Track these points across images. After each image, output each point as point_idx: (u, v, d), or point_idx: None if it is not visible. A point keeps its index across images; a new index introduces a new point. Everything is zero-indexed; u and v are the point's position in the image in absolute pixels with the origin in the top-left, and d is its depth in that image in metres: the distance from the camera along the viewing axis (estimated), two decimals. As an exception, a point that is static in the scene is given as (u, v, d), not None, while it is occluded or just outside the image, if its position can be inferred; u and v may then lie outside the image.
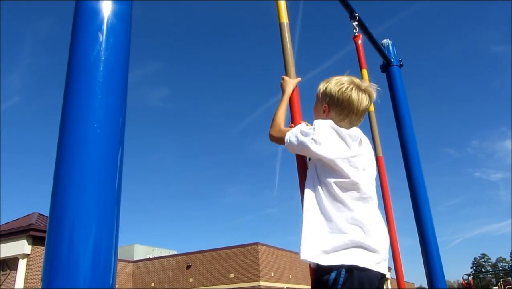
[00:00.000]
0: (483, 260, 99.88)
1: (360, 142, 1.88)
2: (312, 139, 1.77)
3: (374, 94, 1.97)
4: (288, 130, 1.91)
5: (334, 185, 1.75)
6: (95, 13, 1.53)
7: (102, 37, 1.49)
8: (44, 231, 18.43)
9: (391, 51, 4.71)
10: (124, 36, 1.57)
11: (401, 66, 4.74)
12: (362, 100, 1.90)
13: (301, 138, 1.82)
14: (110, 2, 1.56)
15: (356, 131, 1.88)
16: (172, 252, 37.84)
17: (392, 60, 4.67)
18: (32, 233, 20.06)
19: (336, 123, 1.86)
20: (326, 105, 1.93)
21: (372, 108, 3.66)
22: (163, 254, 35.85)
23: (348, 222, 1.70)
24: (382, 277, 1.71)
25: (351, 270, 1.62)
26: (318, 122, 1.83)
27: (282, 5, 2.43)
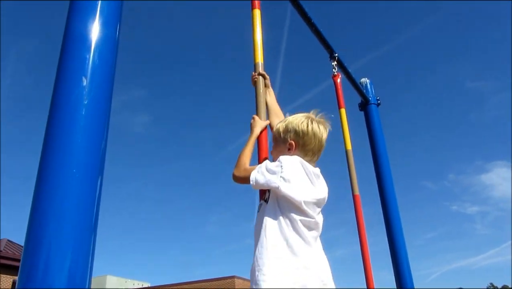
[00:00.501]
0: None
1: (319, 180, 1.88)
2: (281, 177, 1.75)
3: (329, 127, 2.00)
4: (253, 169, 1.87)
5: (299, 223, 1.74)
6: (84, 35, 1.58)
7: (89, 61, 1.53)
8: (13, 259, 17.69)
9: (369, 90, 4.87)
10: (110, 60, 1.62)
11: (378, 104, 4.88)
12: (322, 132, 1.94)
13: (268, 176, 1.78)
14: (98, 26, 1.61)
15: (317, 169, 1.89)
16: (146, 284, 36.77)
17: (370, 98, 4.81)
18: (0, 261, 19.28)
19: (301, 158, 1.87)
20: (292, 142, 1.91)
21: (349, 147, 3.75)
22: (136, 286, 34.78)
23: (311, 260, 1.72)
24: None
25: None
26: (285, 159, 1.80)
27: (258, 45, 2.52)
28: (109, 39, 1.65)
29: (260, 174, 1.82)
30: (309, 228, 1.77)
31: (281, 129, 1.97)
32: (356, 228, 3.52)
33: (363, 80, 4.95)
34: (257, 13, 2.65)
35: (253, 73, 2.42)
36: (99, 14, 1.65)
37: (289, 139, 1.93)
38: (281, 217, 1.76)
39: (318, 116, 1.99)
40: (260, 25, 2.62)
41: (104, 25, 1.64)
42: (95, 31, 1.60)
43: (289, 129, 1.94)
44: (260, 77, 2.38)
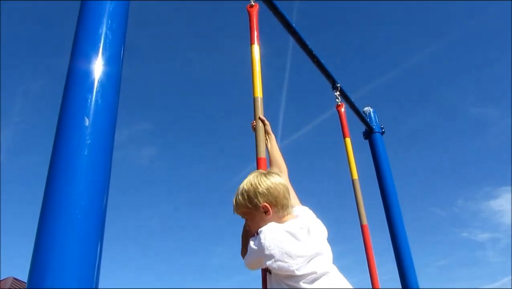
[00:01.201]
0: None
1: (308, 230, 1.80)
2: (265, 257, 1.67)
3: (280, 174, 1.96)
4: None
5: (302, 283, 1.66)
6: (86, 74, 1.60)
7: (92, 98, 1.55)
8: (19, 297, 17.45)
9: (373, 118, 4.89)
10: (113, 96, 1.64)
11: (383, 133, 4.89)
12: (277, 178, 1.87)
13: (256, 261, 1.75)
14: (101, 63, 1.63)
15: (301, 222, 1.81)
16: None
17: (374, 127, 4.83)
18: (5, 299, 18.99)
19: (281, 218, 1.81)
20: (265, 204, 1.79)
21: (355, 176, 3.74)
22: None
23: None
24: None
25: None
26: (265, 237, 1.69)
27: (257, 79, 2.56)
28: (112, 76, 1.67)
29: (249, 262, 1.78)
30: (313, 279, 1.68)
31: (247, 199, 1.83)
32: (366, 259, 3.48)
33: (366, 109, 4.98)
34: (255, 48, 2.71)
35: (253, 121, 2.40)
36: (102, 52, 1.67)
37: (259, 204, 1.79)
38: (285, 286, 1.69)
39: (256, 172, 1.93)
40: (259, 60, 2.67)
41: (108, 62, 1.66)
42: (97, 69, 1.62)
43: (256, 194, 1.80)
44: (260, 122, 2.35)
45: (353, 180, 3.73)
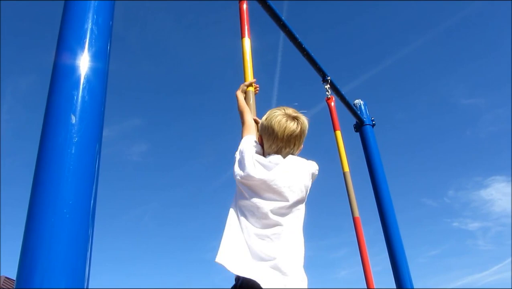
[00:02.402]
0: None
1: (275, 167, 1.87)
2: (236, 153, 2.00)
3: (302, 120, 1.96)
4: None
5: (238, 194, 1.90)
6: (72, 71, 1.57)
7: (78, 95, 1.52)
8: (11, 296, 17.36)
9: (363, 111, 4.90)
10: (100, 92, 1.61)
11: (373, 125, 4.91)
12: (285, 125, 1.91)
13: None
14: (87, 59, 1.60)
15: (275, 158, 1.88)
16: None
17: (365, 119, 4.84)
18: (-2, 298, 18.89)
19: (266, 149, 1.95)
20: (259, 135, 2.02)
21: (346, 169, 3.75)
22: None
23: None
24: None
25: None
26: (242, 142, 2.03)
27: (249, 72, 2.58)
28: (99, 72, 1.64)
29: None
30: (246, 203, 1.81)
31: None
32: (358, 250, 3.50)
33: (356, 101, 4.99)
34: (246, 41, 2.70)
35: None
36: (88, 47, 1.64)
37: (258, 133, 2.05)
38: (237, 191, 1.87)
39: (292, 111, 1.98)
40: (250, 53, 2.67)
41: (94, 58, 1.63)
42: (84, 65, 1.59)
43: (259, 125, 2.06)
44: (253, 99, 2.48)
45: (344, 173, 3.74)
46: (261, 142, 1.99)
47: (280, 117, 1.92)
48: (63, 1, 1.76)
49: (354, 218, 3.55)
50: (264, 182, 1.78)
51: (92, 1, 1.73)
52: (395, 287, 4.10)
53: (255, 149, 1.94)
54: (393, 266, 4.16)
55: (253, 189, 1.80)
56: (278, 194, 1.78)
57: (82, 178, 1.41)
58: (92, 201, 1.42)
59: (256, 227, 1.74)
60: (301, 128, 1.94)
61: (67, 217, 1.32)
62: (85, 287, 1.31)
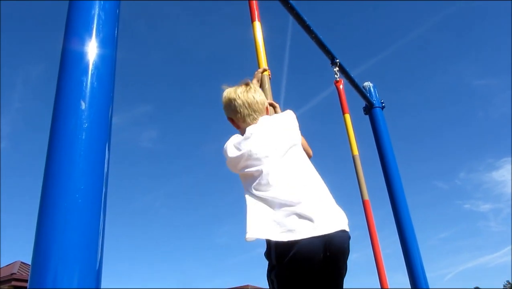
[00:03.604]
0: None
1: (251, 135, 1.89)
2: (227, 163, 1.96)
3: (246, 86, 2.03)
4: None
5: (248, 187, 1.86)
6: (80, 57, 1.57)
7: (87, 81, 1.52)
8: (27, 281, 17.72)
9: (373, 93, 4.85)
10: (108, 78, 1.61)
11: (383, 107, 4.86)
12: (241, 94, 1.98)
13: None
14: (95, 45, 1.60)
15: (249, 130, 1.90)
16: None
17: (374, 102, 4.79)
18: (14, 283, 19.31)
19: (243, 127, 1.95)
20: (229, 118, 2.04)
21: (356, 152, 3.74)
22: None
23: None
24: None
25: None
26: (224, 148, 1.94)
27: (262, 56, 2.56)
28: (107, 58, 1.64)
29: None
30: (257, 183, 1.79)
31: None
32: (368, 233, 3.51)
33: (366, 84, 4.94)
34: (257, 25, 2.68)
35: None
36: (96, 33, 1.64)
37: (228, 118, 2.05)
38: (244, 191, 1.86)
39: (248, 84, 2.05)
40: (262, 36, 2.65)
41: (102, 44, 1.63)
42: (92, 51, 1.59)
43: (224, 111, 2.06)
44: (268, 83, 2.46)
45: (353, 156, 3.73)
46: (237, 126, 2.03)
47: (226, 92, 2.02)
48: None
49: (363, 201, 3.55)
50: (244, 155, 1.81)
51: (99, -14, 1.72)
52: (405, 270, 4.12)
53: (236, 139, 1.92)
54: (404, 249, 4.16)
55: (246, 167, 1.82)
56: (264, 156, 1.81)
57: (93, 163, 1.43)
58: (104, 186, 1.44)
59: (270, 191, 1.75)
60: (253, 92, 2.00)
61: (80, 202, 1.34)
62: (99, 268, 1.34)
